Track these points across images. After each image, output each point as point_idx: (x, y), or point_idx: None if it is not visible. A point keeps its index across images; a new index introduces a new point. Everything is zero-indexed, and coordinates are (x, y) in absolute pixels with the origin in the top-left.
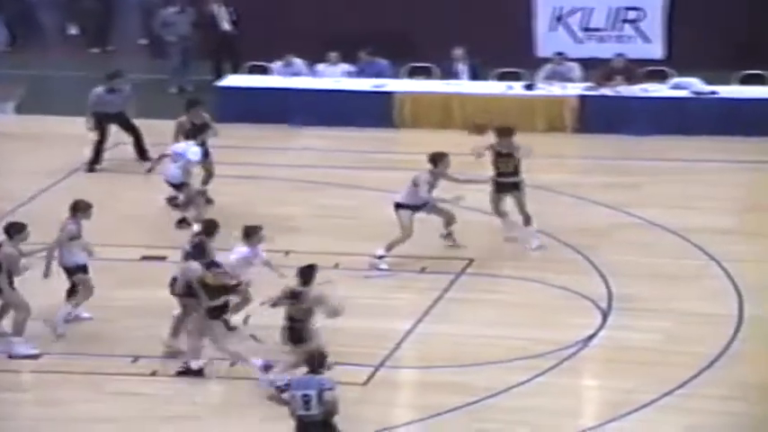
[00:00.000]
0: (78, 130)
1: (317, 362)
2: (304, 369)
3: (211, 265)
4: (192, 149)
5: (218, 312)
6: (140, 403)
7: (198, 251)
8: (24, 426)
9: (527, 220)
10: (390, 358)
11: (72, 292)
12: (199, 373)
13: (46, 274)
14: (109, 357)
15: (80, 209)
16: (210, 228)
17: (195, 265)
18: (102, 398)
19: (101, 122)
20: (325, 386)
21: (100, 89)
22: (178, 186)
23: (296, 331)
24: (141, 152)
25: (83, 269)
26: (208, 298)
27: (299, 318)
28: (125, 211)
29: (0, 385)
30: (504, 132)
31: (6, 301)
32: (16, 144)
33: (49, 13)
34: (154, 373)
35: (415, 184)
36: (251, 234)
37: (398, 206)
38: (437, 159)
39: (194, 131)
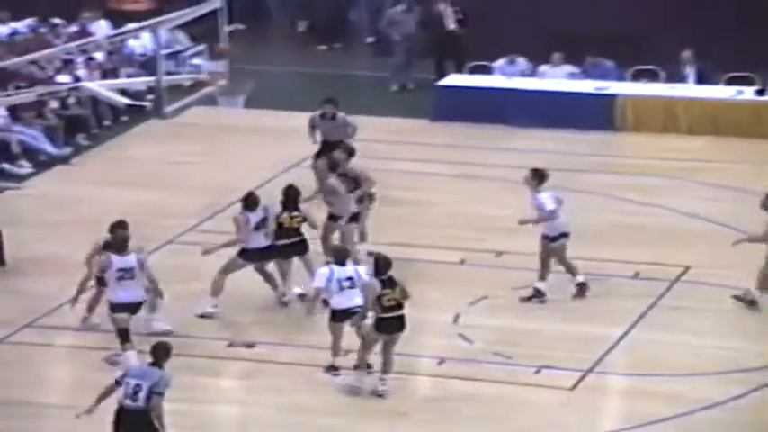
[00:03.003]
0: (300, 125)
1: (161, 352)
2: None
3: None
4: None
5: None
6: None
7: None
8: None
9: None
10: (600, 363)
11: None
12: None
13: None
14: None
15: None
16: None
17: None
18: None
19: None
20: (157, 389)
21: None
22: None
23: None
24: None
25: None
26: None
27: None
28: None
29: (213, 371)
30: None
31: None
32: (242, 137)
33: (281, 9)
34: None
35: None
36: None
37: None
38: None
39: None
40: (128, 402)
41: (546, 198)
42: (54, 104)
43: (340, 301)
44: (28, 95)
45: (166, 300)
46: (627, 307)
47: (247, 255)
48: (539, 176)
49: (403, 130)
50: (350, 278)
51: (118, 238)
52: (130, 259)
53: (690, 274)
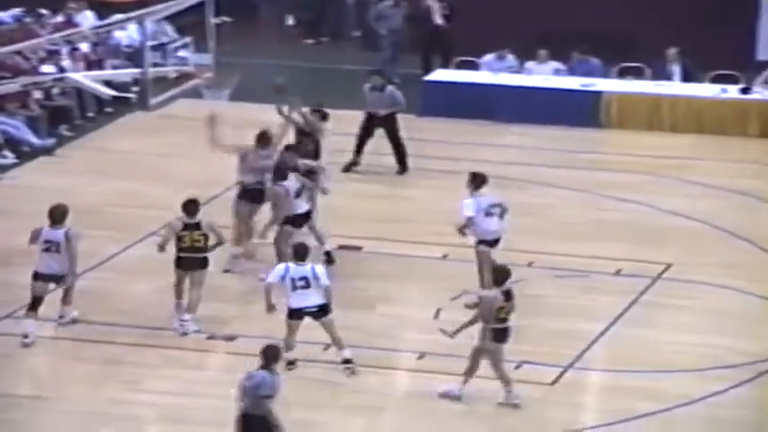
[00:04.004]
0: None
1: (268, 356)
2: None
3: None
4: None
5: None
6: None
7: None
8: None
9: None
10: (580, 359)
11: None
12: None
13: None
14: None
15: None
16: None
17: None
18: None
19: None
20: (259, 392)
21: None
22: None
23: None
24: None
25: None
26: None
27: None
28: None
29: (194, 364)
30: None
31: None
32: (227, 130)
33: (268, 2)
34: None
35: None
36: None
37: None
38: None
39: None
40: (240, 404)
41: (468, 203)
42: (38, 95)
43: (294, 301)
44: (11, 86)
45: (147, 292)
46: (608, 303)
47: (294, 221)
48: (476, 181)
49: None
50: (304, 278)
51: (55, 212)
52: (58, 233)
53: (671, 272)
